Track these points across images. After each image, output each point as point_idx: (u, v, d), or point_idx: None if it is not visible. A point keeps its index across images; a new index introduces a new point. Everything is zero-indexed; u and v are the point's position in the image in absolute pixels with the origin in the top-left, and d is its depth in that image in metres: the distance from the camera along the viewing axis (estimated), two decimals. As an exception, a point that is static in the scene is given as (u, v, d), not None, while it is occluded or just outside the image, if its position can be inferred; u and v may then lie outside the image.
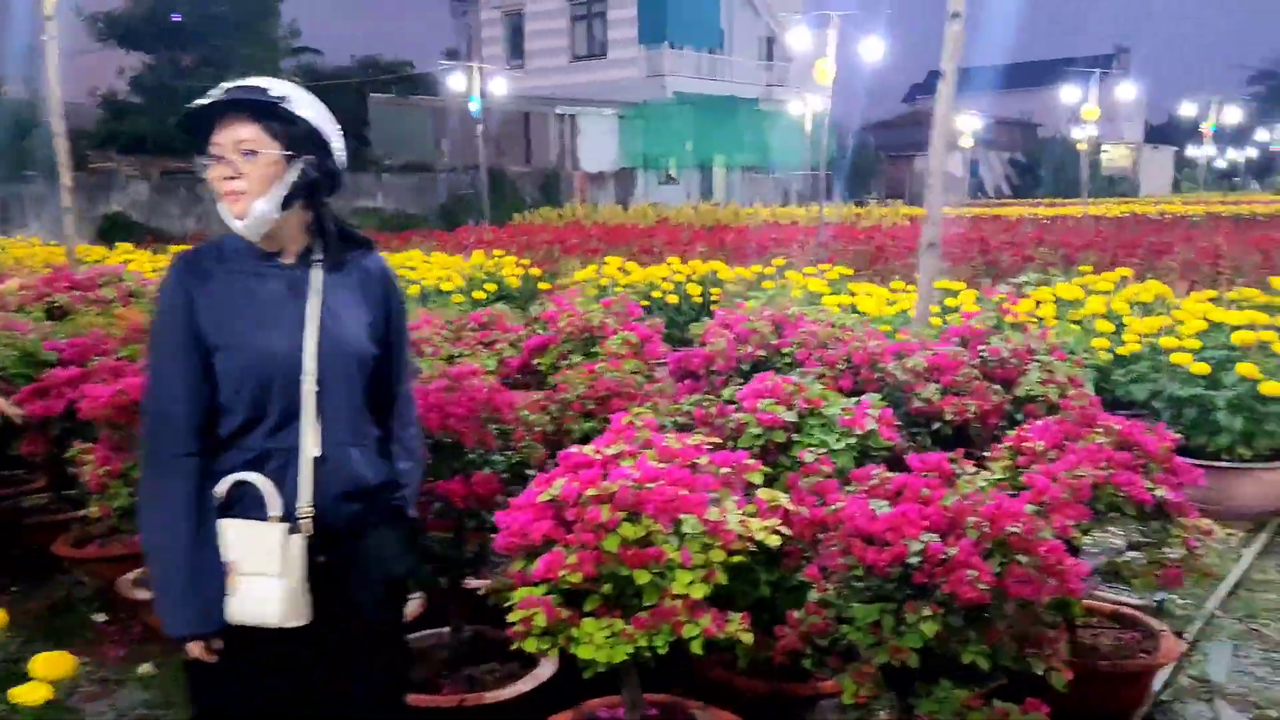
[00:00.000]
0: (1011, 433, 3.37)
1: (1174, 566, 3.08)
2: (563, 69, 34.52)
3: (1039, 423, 3.34)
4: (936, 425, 3.57)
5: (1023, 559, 2.51)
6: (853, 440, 3.08)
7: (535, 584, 2.46)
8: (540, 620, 2.40)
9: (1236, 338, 5.07)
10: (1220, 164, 63.54)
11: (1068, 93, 30.99)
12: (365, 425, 2.14)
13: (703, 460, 2.74)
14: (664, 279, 8.04)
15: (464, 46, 36.02)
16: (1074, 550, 3.22)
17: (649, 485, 2.49)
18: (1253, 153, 61.83)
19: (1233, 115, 38.67)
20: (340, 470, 2.04)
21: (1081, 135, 25.59)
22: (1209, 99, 34.91)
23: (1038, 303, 6.15)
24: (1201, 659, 3.85)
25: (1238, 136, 60.62)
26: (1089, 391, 3.67)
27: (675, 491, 2.49)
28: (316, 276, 2.09)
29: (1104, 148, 56.63)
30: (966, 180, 40.00)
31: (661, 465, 2.60)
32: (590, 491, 2.52)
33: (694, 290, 8.02)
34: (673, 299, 7.69)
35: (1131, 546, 3.24)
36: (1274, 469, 5.07)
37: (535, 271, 9.03)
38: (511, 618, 2.47)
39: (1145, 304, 6.21)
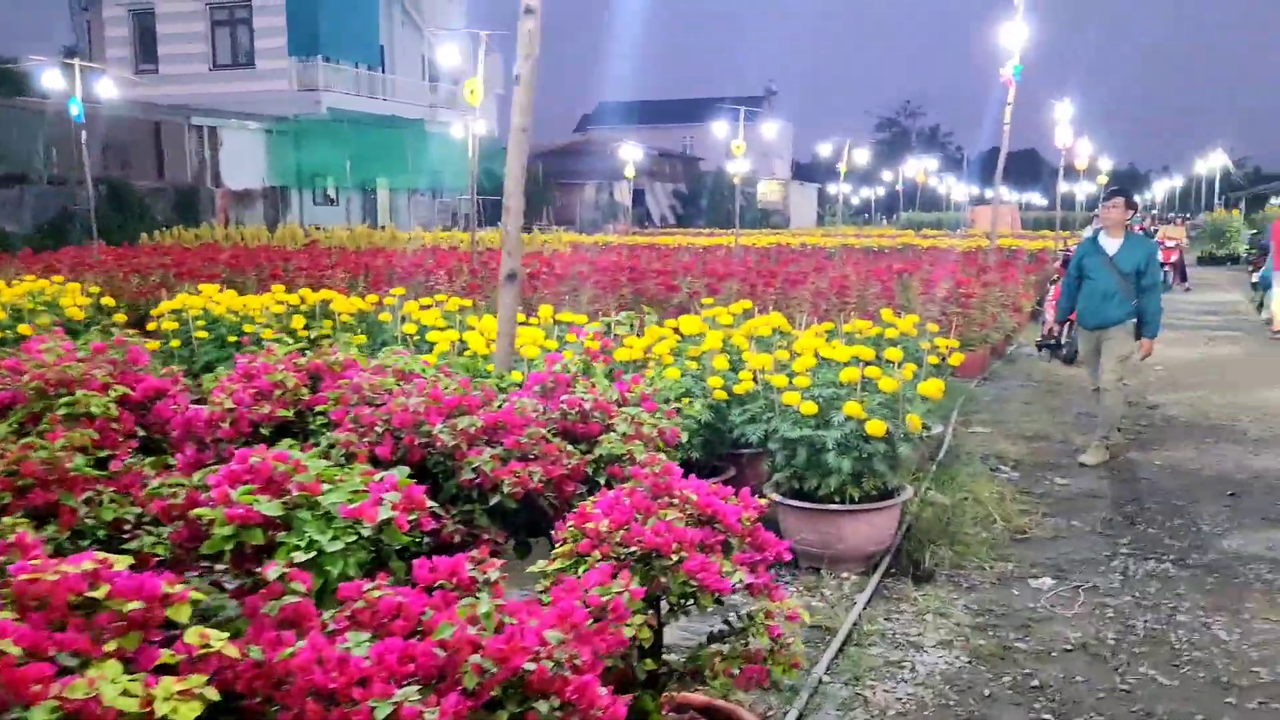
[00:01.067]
0: (590, 503, 2.78)
1: (756, 663, 2.59)
2: (202, 77, 31.52)
3: (609, 494, 2.77)
4: (496, 499, 2.91)
5: (543, 707, 1.86)
6: (360, 536, 2.33)
7: None
8: None
9: (844, 375, 4.89)
10: (855, 200, 70.42)
11: (723, 129, 32.62)
12: None
13: (100, 593, 1.88)
14: (262, 310, 6.97)
15: (85, 46, 32.07)
16: (648, 649, 2.67)
17: (-38, 654, 1.60)
18: (881, 191, 68.92)
19: (861, 157, 42.54)
20: None
21: (735, 170, 26.89)
22: (843, 141, 38.07)
23: (660, 338, 5.75)
24: (805, 741, 3.46)
25: (868, 176, 67.43)
26: (664, 453, 3.15)
27: (8, 660, 1.61)
28: None
29: (759, 182, 60.84)
30: (631, 209, 41.13)
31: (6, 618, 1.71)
32: None
33: (298, 323, 7.01)
34: (267, 334, 6.63)
35: (712, 638, 2.72)
36: (882, 509, 4.92)
37: (109, 301, 7.60)
38: None
39: (764, 339, 6.01)
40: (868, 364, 5.06)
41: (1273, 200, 36.37)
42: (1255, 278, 17.26)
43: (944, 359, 6.46)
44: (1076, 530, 5.73)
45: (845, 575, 4.92)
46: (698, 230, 37.44)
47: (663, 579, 2.55)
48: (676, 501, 2.71)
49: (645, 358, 5.40)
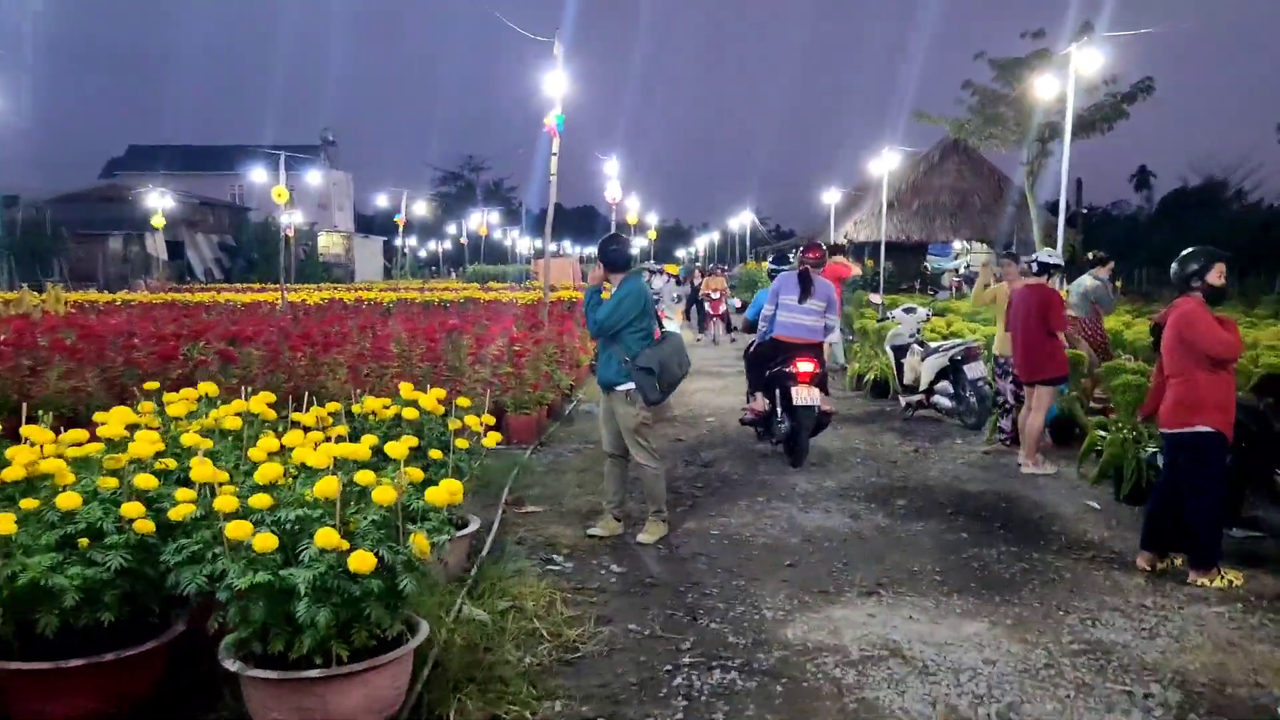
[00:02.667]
0: None
1: None
2: None
3: None
4: None
5: None
6: None
7: None
8: None
9: (320, 488, 3.54)
10: (423, 253, 69.60)
11: (270, 178, 30.06)
12: None
13: None
14: None
15: None
16: None
17: None
18: (448, 244, 68.75)
19: (424, 209, 41.79)
20: None
21: (287, 220, 24.70)
22: (402, 194, 37.08)
23: (78, 442, 4.02)
24: None
25: (435, 229, 66.99)
26: None
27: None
28: None
29: (320, 234, 57.83)
30: (165, 262, 36.70)
31: None
32: None
33: None
34: None
35: None
36: (382, 665, 3.61)
37: None
38: None
39: (234, 434, 4.50)
40: (360, 466, 3.78)
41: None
42: None
43: (478, 439, 5.38)
44: (634, 638, 4.82)
45: (339, 763, 3.55)
46: (246, 285, 34.18)
47: None
48: None
49: (29, 474, 3.70)
